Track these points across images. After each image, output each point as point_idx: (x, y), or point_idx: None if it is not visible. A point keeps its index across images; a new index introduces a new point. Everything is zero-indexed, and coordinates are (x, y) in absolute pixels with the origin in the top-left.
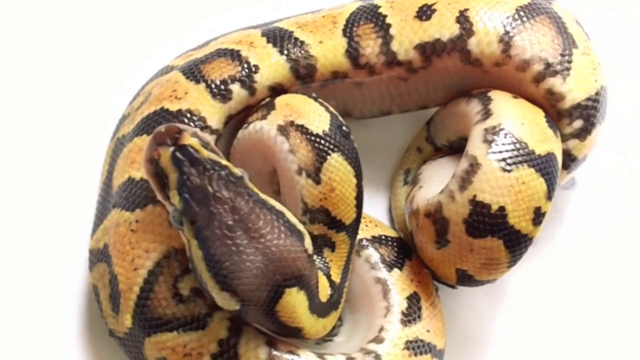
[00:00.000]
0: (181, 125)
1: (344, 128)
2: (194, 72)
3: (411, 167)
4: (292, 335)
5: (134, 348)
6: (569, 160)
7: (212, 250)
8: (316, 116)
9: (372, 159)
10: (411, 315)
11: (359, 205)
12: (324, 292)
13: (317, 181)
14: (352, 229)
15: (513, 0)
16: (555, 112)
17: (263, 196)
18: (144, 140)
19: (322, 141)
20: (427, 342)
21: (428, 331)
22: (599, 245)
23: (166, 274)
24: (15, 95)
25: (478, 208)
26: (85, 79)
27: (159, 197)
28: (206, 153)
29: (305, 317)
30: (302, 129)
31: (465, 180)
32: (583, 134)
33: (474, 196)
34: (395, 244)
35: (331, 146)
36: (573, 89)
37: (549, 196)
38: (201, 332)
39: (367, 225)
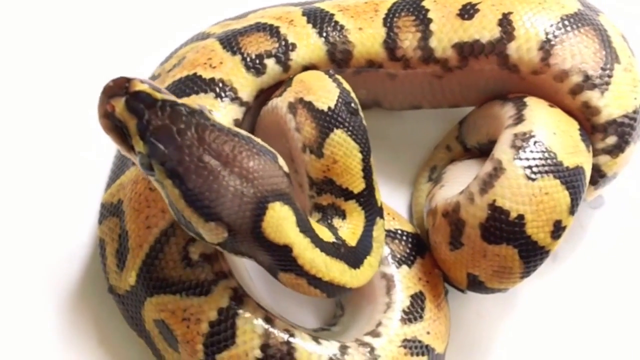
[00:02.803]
0: (128, 76)
1: (352, 105)
2: (231, 42)
3: (438, 164)
4: (284, 260)
5: (133, 307)
6: (598, 176)
7: (189, 185)
8: (325, 92)
9: (401, 152)
10: (412, 314)
11: (367, 177)
12: (323, 233)
13: (320, 155)
14: (364, 198)
15: (559, 8)
16: (589, 125)
17: (227, 125)
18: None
19: (327, 117)
20: (425, 343)
21: (428, 333)
22: (619, 266)
23: (179, 236)
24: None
25: (496, 213)
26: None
27: (123, 150)
28: (160, 95)
29: (294, 233)
30: (309, 106)
31: (486, 184)
32: (615, 151)
33: (494, 201)
34: (409, 239)
35: (335, 122)
36: (610, 105)
37: (572, 210)
38: (203, 298)
39: (387, 219)
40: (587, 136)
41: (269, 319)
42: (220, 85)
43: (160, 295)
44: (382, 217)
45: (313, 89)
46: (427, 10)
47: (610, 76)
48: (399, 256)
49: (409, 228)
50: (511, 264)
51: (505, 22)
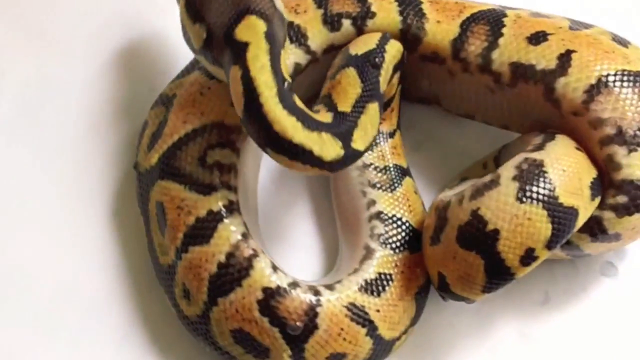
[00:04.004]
0: None
1: (376, 60)
2: None
3: (469, 177)
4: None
5: (146, 186)
6: (599, 229)
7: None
8: (361, 45)
9: (444, 156)
10: (372, 288)
11: (355, 109)
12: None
13: (332, 78)
14: (342, 118)
15: (623, 62)
16: (607, 179)
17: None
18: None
19: (350, 59)
20: (370, 318)
21: (378, 311)
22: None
23: (204, 139)
24: None
25: (475, 221)
26: None
27: None
28: None
29: (261, 51)
30: (345, 50)
31: (478, 191)
32: (622, 211)
33: (478, 208)
34: (407, 231)
35: (353, 64)
36: (633, 166)
37: (549, 245)
38: (201, 196)
39: (399, 203)
40: (600, 188)
41: (245, 236)
42: (296, 29)
43: (169, 181)
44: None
45: (359, 41)
46: (504, 26)
47: None
48: (389, 240)
49: (414, 221)
50: (475, 274)
51: (565, 58)
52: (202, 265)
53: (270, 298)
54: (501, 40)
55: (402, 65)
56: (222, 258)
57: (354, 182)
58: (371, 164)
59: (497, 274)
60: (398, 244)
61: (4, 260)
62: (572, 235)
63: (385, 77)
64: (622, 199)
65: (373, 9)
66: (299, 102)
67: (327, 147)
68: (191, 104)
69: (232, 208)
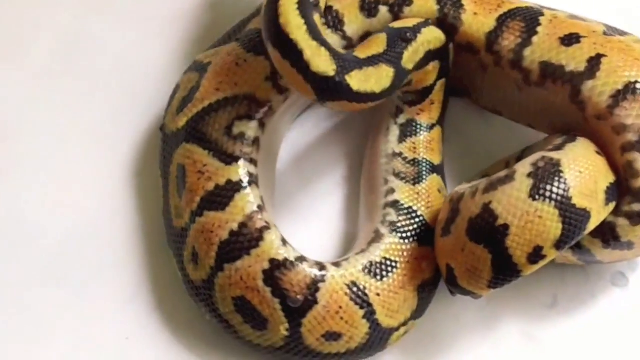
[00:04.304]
0: None
1: (407, 34)
2: None
3: (491, 174)
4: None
5: (170, 147)
6: (612, 236)
7: None
8: (405, 23)
9: (469, 150)
10: (376, 270)
11: (373, 58)
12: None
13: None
14: (392, 32)
15: None
16: (625, 186)
17: None
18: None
19: (388, 29)
20: (369, 300)
21: (378, 295)
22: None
23: (234, 109)
24: None
25: (486, 214)
26: None
27: None
28: None
29: None
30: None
31: (492, 186)
32: (637, 219)
33: (490, 202)
34: (419, 222)
35: (386, 30)
36: None
37: (558, 245)
38: (223, 165)
39: (419, 197)
40: (616, 194)
41: (260, 208)
42: (334, 14)
43: (194, 145)
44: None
45: (400, 20)
46: (539, 25)
47: None
48: (400, 229)
49: (429, 218)
50: (482, 268)
51: (594, 61)
52: (214, 230)
53: (275, 269)
54: (535, 39)
55: (441, 56)
56: (235, 226)
57: (381, 168)
58: (401, 153)
59: (504, 270)
60: (408, 234)
61: (18, 205)
62: (584, 240)
63: (413, 57)
64: (637, 207)
65: None
66: (317, 18)
67: (320, 59)
68: (225, 73)
69: (251, 180)
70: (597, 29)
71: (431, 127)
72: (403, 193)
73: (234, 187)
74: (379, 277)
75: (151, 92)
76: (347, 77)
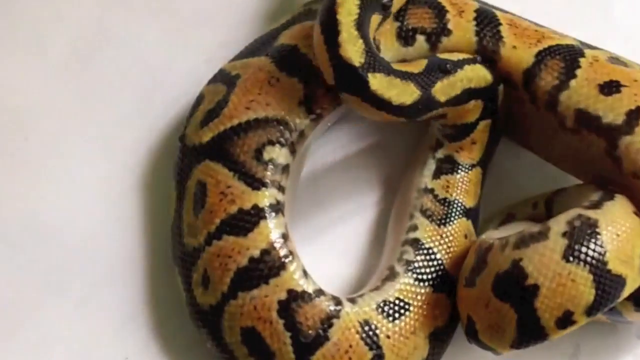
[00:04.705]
0: None
1: (447, 66)
2: (401, 9)
3: (517, 214)
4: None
5: (190, 162)
6: None
7: None
8: (448, 54)
9: (496, 187)
10: (389, 311)
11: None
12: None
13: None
14: (434, 61)
15: None
16: None
17: None
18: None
19: (431, 60)
20: (379, 342)
21: (388, 337)
22: None
23: (265, 132)
24: None
25: (516, 271)
26: None
27: None
28: None
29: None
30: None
31: (524, 241)
32: None
33: (520, 259)
34: (437, 267)
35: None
36: None
37: (589, 312)
38: (249, 189)
39: (442, 240)
40: None
41: (284, 237)
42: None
43: (218, 163)
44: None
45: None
46: (579, 67)
47: None
48: (415, 270)
49: (448, 264)
50: (506, 327)
51: (634, 115)
52: (232, 255)
53: (292, 300)
54: (573, 82)
55: (486, 96)
56: (257, 254)
57: (410, 202)
58: (432, 189)
59: (530, 332)
60: (423, 276)
61: (27, 206)
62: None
63: (448, 90)
64: None
65: (450, 26)
66: (375, 18)
67: (352, 47)
68: (257, 92)
69: (278, 208)
70: (639, 77)
71: (470, 168)
72: (426, 232)
73: (260, 214)
74: (391, 319)
75: (170, 96)
76: (370, 75)
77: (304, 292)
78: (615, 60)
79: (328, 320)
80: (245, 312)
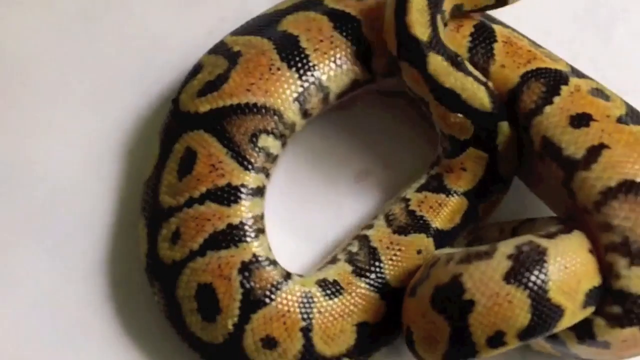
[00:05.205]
0: None
1: (458, 58)
2: None
3: (483, 237)
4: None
5: (181, 126)
6: (587, 333)
7: None
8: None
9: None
10: (326, 289)
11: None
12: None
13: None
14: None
15: None
16: (606, 285)
17: None
18: None
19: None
20: (311, 314)
21: (320, 312)
22: None
23: (262, 120)
24: None
25: (454, 285)
26: None
27: None
28: None
29: None
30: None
31: (469, 258)
32: (614, 321)
33: (460, 274)
34: (377, 269)
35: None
36: (632, 278)
37: (522, 335)
38: (240, 168)
39: (391, 246)
40: (598, 299)
41: (261, 217)
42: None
43: (213, 137)
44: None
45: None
46: (558, 95)
47: None
48: (355, 261)
49: (390, 272)
50: (439, 339)
51: (595, 151)
52: (211, 219)
53: (254, 263)
54: (547, 109)
55: (474, 118)
56: (236, 221)
57: (383, 205)
58: (409, 199)
59: (460, 347)
60: (360, 271)
61: (13, 149)
62: (561, 332)
63: (443, 72)
64: (616, 308)
65: (443, 39)
66: (440, 18)
67: (420, 25)
68: (258, 77)
69: (262, 191)
70: (613, 113)
71: (453, 194)
72: (378, 233)
73: (246, 192)
74: (327, 297)
75: (167, 64)
76: (432, 53)
77: (267, 258)
78: (597, 92)
79: (277, 285)
80: (209, 269)
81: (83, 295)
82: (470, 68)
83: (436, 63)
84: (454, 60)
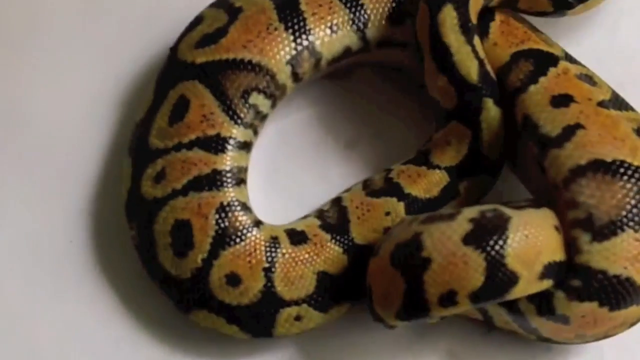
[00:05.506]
0: None
1: (469, 25)
2: None
3: None
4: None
5: (177, 74)
6: (547, 306)
7: None
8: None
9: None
10: (293, 237)
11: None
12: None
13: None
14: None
15: (627, 155)
16: (568, 260)
17: None
18: None
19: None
20: (275, 256)
21: (283, 254)
22: None
23: (256, 78)
24: None
25: (413, 244)
26: None
27: None
28: None
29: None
30: None
31: (431, 219)
32: (573, 294)
33: (421, 232)
34: (343, 223)
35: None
36: (593, 253)
37: (473, 297)
38: (229, 122)
39: (361, 207)
40: (557, 274)
41: (246, 169)
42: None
43: (206, 89)
44: None
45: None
46: (544, 75)
47: (614, 234)
48: (324, 216)
49: (357, 232)
50: (395, 295)
51: (570, 130)
52: (197, 164)
53: (231, 206)
54: (532, 87)
55: (458, 86)
56: (221, 168)
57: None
58: (391, 170)
59: (414, 304)
60: (326, 224)
61: (15, 93)
62: (520, 302)
63: (450, 30)
64: (575, 282)
65: None
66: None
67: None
68: (256, 34)
69: (249, 147)
70: (596, 96)
71: (434, 167)
72: (352, 194)
73: (234, 144)
74: (292, 242)
75: (170, 21)
76: (449, 5)
77: (245, 204)
78: (585, 77)
79: (248, 228)
80: (189, 207)
81: (66, 234)
82: (476, 42)
83: (448, 15)
84: (465, 25)
